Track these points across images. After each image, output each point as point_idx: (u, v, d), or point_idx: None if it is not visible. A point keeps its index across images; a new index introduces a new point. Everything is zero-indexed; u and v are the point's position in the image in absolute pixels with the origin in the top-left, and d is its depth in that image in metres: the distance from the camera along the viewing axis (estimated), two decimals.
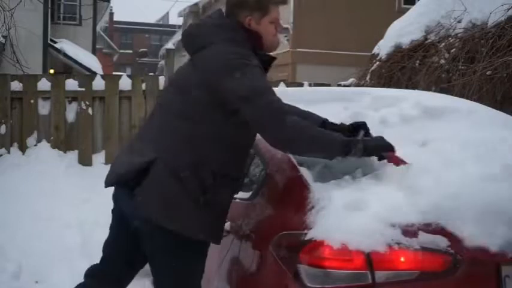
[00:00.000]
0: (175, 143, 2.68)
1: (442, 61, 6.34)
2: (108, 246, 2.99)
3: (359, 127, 2.77)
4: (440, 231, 2.26)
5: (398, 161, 2.54)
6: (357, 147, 2.53)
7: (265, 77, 2.72)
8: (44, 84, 7.31)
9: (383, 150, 2.59)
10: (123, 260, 2.93)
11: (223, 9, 2.87)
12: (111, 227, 2.97)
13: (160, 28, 58.30)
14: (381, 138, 2.64)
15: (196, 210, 2.65)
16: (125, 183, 2.74)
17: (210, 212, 2.68)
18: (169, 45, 32.32)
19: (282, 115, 2.55)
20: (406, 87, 6.25)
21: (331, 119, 2.90)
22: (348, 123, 2.85)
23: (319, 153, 2.63)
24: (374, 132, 2.78)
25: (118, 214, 2.90)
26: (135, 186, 2.68)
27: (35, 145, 7.23)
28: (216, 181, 2.67)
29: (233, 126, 2.67)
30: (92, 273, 2.98)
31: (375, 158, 2.61)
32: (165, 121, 2.76)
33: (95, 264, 3.01)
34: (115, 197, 2.88)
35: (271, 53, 2.86)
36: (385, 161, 2.57)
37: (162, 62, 33.22)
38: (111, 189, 2.87)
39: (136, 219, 2.71)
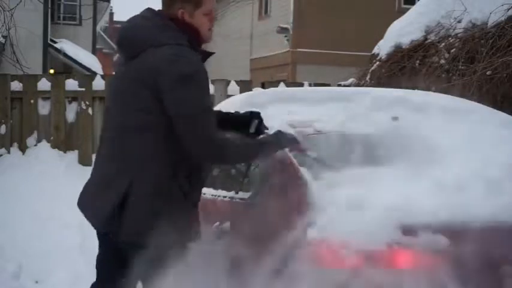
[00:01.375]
0: (143, 158, 2.62)
1: (442, 61, 6.33)
2: (100, 263, 2.94)
3: (253, 116, 2.94)
4: (441, 230, 2.27)
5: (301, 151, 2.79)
6: (272, 148, 2.74)
7: (208, 90, 2.66)
8: (44, 84, 7.29)
9: (289, 144, 2.78)
10: (117, 273, 2.84)
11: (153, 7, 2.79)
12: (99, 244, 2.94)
13: None
14: (279, 132, 2.80)
15: (182, 215, 2.63)
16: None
17: (190, 212, 2.72)
18: None
19: (213, 138, 2.59)
20: (406, 87, 6.24)
21: (331, 119, 2.91)
22: (243, 112, 2.99)
23: (242, 162, 3.01)
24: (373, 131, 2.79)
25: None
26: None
27: (35, 145, 7.21)
28: (191, 182, 2.69)
29: None
30: None
31: None
32: (124, 138, 2.67)
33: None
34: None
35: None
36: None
37: None
38: None
39: (127, 241, 2.66)
